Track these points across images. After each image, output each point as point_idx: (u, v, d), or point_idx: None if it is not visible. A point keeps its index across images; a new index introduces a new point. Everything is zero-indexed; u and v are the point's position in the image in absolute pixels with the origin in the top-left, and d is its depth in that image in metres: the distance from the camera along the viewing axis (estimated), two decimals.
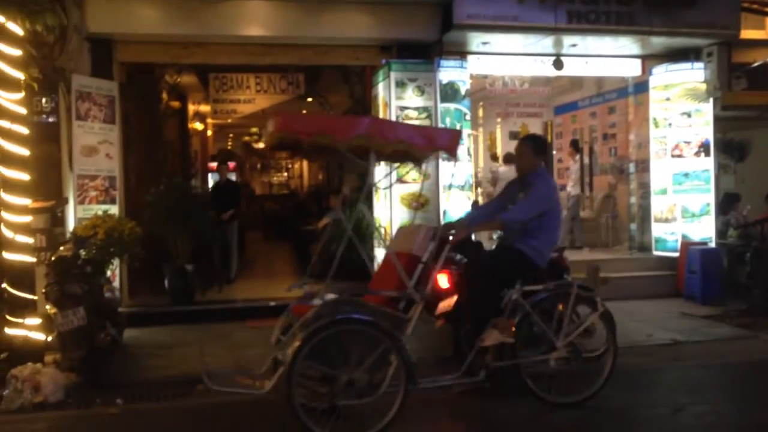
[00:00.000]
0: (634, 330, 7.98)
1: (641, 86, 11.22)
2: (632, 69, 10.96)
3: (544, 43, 9.81)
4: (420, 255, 5.23)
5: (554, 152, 14.72)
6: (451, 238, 5.41)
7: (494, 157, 14.78)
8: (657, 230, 10.67)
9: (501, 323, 5.24)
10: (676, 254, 10.29)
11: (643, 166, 11.23)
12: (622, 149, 12.23)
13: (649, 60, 10.77)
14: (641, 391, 5.92)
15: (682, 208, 10.31)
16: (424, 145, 5.24)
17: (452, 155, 5.42)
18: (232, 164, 20.72)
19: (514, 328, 5.25)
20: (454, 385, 5.39)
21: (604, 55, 10.60)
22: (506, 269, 5.50)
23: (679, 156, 10.37)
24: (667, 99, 10.45)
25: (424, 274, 5.18)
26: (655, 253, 10.70)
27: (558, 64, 10.35)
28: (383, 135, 5.02)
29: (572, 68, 10.63)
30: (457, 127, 9.17)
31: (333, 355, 4.72)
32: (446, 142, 5.38)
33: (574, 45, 10.04)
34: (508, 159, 14.77)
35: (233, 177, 17.94)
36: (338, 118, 7.44)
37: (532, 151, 5.69)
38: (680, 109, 10.35)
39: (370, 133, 4.94)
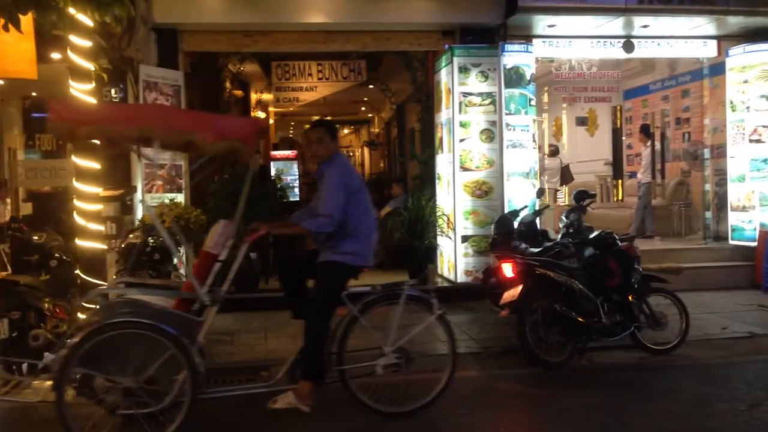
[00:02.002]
0: (709, 322, 7.81)
1: (717, 68, 10.89)
2: (707, 50, 10.64)
3: (614, 24, 9.61)
4: (216, 253, 4.99)
5: (624, 138, 14.44)
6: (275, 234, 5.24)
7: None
8: (733, 219, 10.37)
9: (304, 388, 4.95)
10: (754, 244, 9.97)
11: (719, 151, 10.92)
12: (697, 134, 11.92)
13: (726, 41, 10.43)
14: (717, 385, 5.79)
15: (761, 196, 9.98)
16: (214, 135, 4.84)
17: (249, 148, 4.99)
18: (293, 153, 20.99)
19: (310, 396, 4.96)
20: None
21: (678, 37, 10.32)
22: (332, 292, 5.12)
23: (758, 141, 10.03)
24: (745, 81, 10.12)
25: (222, 272, 4.93)
26: (732, 242, 10.40)
27: (628, 47, 10.13)
28: (167, 125, 4.74)
29: (643, 50, 10.39)
30: (522, 114, 9.11)
31: (111, 360, 4.44)
32: (240, 133, 4.93)
33: (645, 26, 9.81)
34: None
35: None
36: (119, 106, 7.10)
37: (330, 137, 5.25)
38: (759, 91, 10.00)
39: (151, 123, 4.67)
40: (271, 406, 4.95)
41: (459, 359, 5.46)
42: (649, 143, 12.40)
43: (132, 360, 4.47)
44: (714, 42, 10.51)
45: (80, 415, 4.59)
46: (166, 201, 8.41)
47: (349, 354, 5.09)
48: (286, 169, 18.89)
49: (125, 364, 4.46)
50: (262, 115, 18.10)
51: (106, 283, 7.03)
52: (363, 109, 22.72)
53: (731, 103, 10.34)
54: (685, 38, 10.38)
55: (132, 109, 5.16)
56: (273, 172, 15.58)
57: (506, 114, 9.15)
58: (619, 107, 14.61)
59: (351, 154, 31.63)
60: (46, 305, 6.19)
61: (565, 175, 14.40)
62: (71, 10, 6.44)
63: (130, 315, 4.56)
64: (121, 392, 4.47)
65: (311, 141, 5.28)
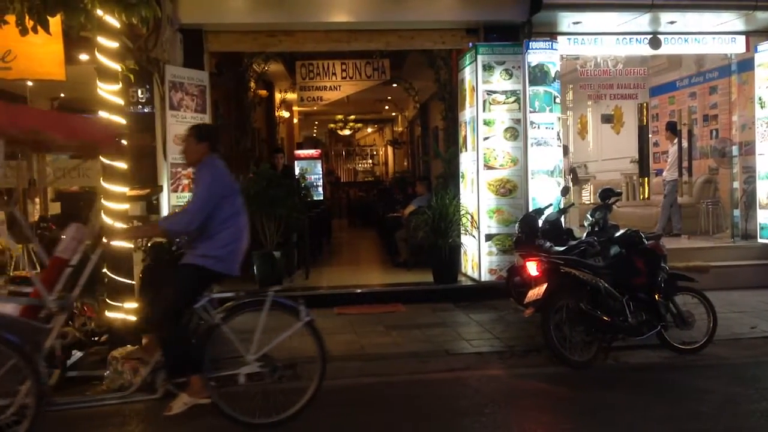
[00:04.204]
0: (737, 321, 7.71)
1: (745, 64, 10.74)
2: (735, 46, 10.49)
3: (640, 21, 9.53)
4: (67, 257, 4.84)
5: (650, 135, 14.30)
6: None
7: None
8: (762, 217, 10.23)
9: (193, 384, 4.77)
10: None
11: (748, 148, 10.77)
12: (724, 131, 11.77)
13: (754, 36, 10.29)
14: (745, 385, 5.72)
15: None
16: (66, 136, 4.73)
17: (106, 151, 4.86)
18: (317, 152, 21.09)
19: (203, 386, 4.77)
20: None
21: (705, 32, 10.19)
22: (181, 295, 4.85)
23: None
24: None
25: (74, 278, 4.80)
26: (761, 240, 10.26)
27: (655, 43, 10.03)
28: (13, 123, 4.47)
29: (670, 47, 10.27)
30: (546, 111, 9.07)
31: None
32: (93, 135, 4.79)
33: (672, 22, 9.71)
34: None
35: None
36: None
37: (195, 139, 5.08)
38: None
39: None
40: (167, 414, 4.75)
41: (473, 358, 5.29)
42: (675, 140, 12.27)
43: None
44: (742, 38, 10.38)
45: None
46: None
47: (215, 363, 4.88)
48: (310, 168, 18.95)
49: None
50: (286, 114, 18.21)
51: (133, 282, 7.13)
52: (387, 107, 22.76)
53: (760, 99, 10.20)
54: (712, 34, 10.25)
55: None
56: (297, 171, 15.68)
57: (531, 112, 9.12)
58: (645, 104, 14.45)
59: (374, 153, 31.72)
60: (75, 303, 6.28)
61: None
62: (99, 12, 6.53)
63: None
64: None
65: (184, 146, 5.19)
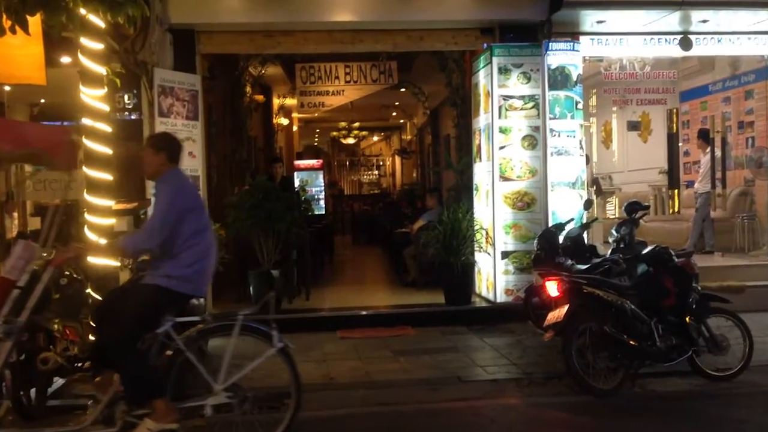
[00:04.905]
0: None
1: None
2: None
3: (669, 19, 9.56)
4: (14, 278, 4.81)
5: (680, 144, 14.32)
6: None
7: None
8: None
9: (158, 409, 4.69)
10: None
11: None
12: (761, 139, 11.76)
13: None
14: None
15: None
16: (12, 144, 4.70)
17: (55, 158, 4.82)
18: (319, 162, 21.18)
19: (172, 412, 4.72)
20: None
21: (740, 32, 10.22)
22: (138, 317, 4.77)
23: None
24: None
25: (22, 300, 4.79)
26: None
27: (685, 44, 10.05)
28: None
29: (702, 48, 10.29)
30: (568, 118, 9.10)
31: None
32: (42, 142, 4.76)
33: (704, 21, 9.74)
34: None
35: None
36: None
37: (153, 150, 5.02)
38: None
39: None
40: None
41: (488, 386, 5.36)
42: (708, 149, 12.26)
43: None
44: None
45: None
46: None
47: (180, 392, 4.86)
48: (310, 180, 19.04)
49: None
50: (285, 121, 18.31)
51: None
52: (394, 114, 22.87)
53: None
54: (748, 34, 10.28)
55: None
56: (297, 183, 15.74)
57: (550, 118, 9.14)
58: (675, 110, 14.47)
59: (381, 163, 31.82)
60: (56, 326, 6.29)
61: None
62: (82, 11, 6.56)
63: None
64: None
65: (142, 159, 5.16)
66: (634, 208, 7.47)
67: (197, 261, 4.92)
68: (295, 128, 21.77)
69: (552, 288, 6.66)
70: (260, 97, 14.61)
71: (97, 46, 7.20)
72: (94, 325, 5.31)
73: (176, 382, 4.84)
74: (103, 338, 4.96)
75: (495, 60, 9.33)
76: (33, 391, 5.69)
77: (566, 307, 6.34)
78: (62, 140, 5.10)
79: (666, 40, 10.11)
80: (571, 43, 9.34)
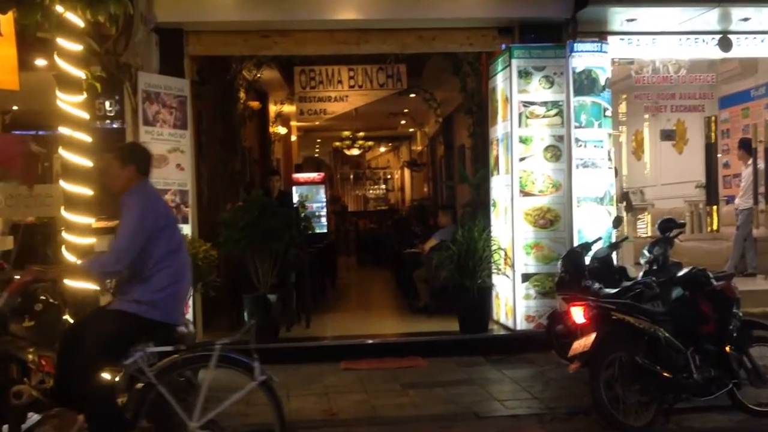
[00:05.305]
0: None
1: None
2: None
3: (707, 17, 9.59)
4: None
5: (719, 155, 14.31)
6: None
7: None
8: None
9: None
10: None
11: None
12: None
13: None
14: None
15: None
16: None
17: (10, 170, 4.96)
18: (320, 175, 21.24)
19: None
20: None
21: None
22: (102, 347, 4.79)
23: None
24: None
25: None
26: None
27: (725, 44, 10.08)
28: None
29: (743, 49, 10.32)
30: (595, 126, 9.12)
31: None
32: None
33: (745, 19, 9.76)
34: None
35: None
36: None
37: (119, 163, 5.05)
38: None
39: None
40: None
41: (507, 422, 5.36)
42: (750, 161, 12.27)
43: None
44: None
45: None
46: None
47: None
48: (311, 195, 19.10)
49: None
50: (282, 130, 18.38)
51: None
52: (403, 122, 22.95)
53: None
54: None
55: None
56: (296, 198, 15.77)
57: (576, 127, 9.17)
58: (713, 118, 14.47)
59: (389, 177, 31.88)
60: (31, 357, 6.30)
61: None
62: (59, 8, 6.55)
63: None
64: None
65: (103, 171, 5.19)
66: (668, 225, 7.44)
67: (170, 284, 4.94)
68: (293, 138, 21.85)
69: (578, 314, 6.65)
70: (255, 104, 14.67)
71: (76, 47, 7.19)
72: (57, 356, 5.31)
73: (152, 418, 4.83)
74: (62, 371, 4.95)
75: (514, 62, 9.36)
76: (5, 427, 5.69)
77: (593, 335, 6.33)
78: (19, 151, 5.07)
79: (703, 40, 10.13)
80: (599, 44, 9.37)
